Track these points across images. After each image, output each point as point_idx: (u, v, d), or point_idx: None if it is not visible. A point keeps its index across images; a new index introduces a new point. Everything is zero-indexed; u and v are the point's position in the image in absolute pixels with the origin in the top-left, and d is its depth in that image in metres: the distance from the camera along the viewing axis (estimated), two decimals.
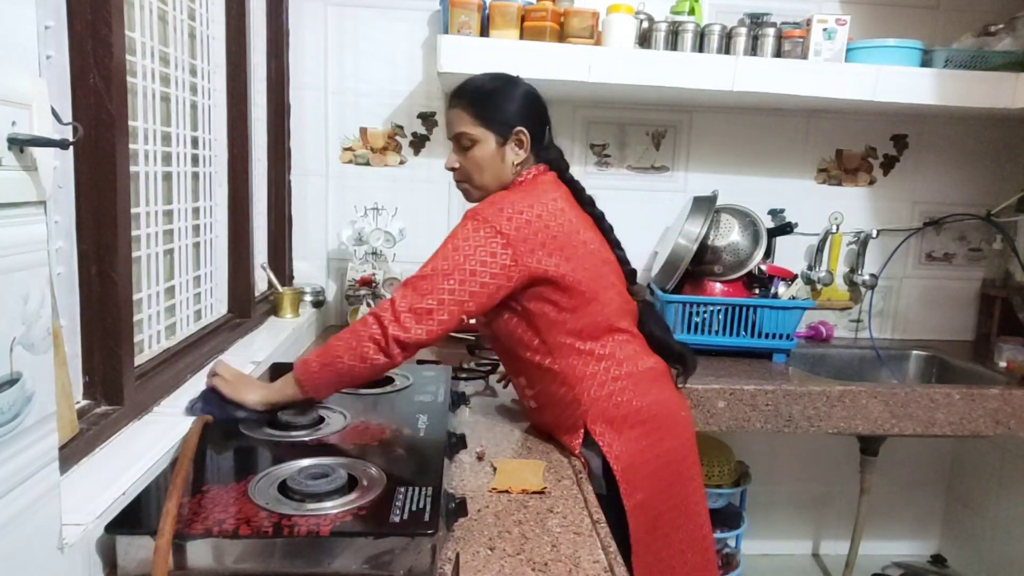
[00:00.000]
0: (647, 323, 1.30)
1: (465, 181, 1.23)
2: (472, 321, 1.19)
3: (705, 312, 1.92)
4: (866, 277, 2.20)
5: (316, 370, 1.09)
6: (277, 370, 1.45)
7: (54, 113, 0.68)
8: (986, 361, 2.06)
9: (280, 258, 1.96)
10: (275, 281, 1.83)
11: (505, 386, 1.48)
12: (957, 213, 2.24)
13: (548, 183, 1.21)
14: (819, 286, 2.19)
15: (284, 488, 0.86)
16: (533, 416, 1.31)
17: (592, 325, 1.18)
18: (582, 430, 1.19)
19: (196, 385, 1.24)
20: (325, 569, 0.77)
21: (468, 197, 1.25)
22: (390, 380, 1.35)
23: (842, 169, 2.22)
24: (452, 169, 1.23)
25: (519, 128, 1.18)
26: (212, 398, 1.11)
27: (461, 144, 1.20)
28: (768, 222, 2.08)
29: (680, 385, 1.32)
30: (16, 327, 0.61)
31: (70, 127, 0.78)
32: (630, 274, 1.30)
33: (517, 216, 1.11)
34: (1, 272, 0.60)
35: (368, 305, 1.91)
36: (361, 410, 1.20)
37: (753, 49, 1.89)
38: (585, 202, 1.26)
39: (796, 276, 2.06)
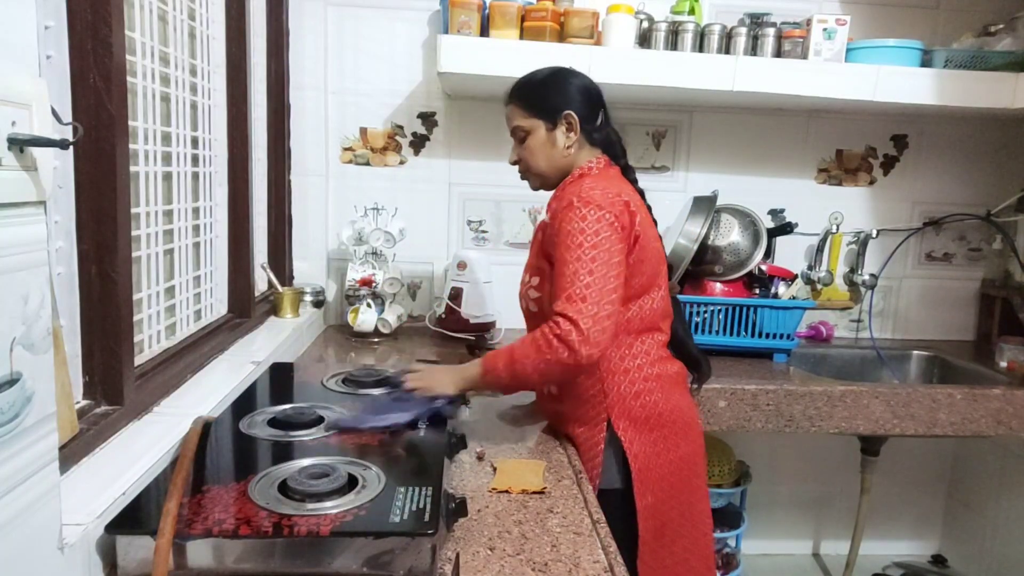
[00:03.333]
0: (675, 320, 1.32)
1: (525, 170, 1.30)
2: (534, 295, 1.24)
3: (705, 312, 1.92)
4: (866, 277, 2.20)
5: (505, 378, 1.15)
6: (277, 370, 1.45)
7: (54, 113, 0.68)
8: (987, 361, 2.06)
9: (280, 258, 1.96)
10: (275, 281, 1.83)
11: None
12: (957, 213, 2.24)
13: (619, 176, 1.27)
14: (819, 286, 2.19)
15: (284, 488, 0.86)
16: (549, 403, 1.30)
17: (639, 318, 1.21)
18: (604, 424, 1.19)
19: (196, 385, 1.24)
20: (325, 569, 0.77)
21: (531, 186, 1.32)
22: (391, 380, 1.35)
23: (842, 169, 2.21)
24: (515, 163, 1.30)
25: (566, 112, 1.22)
26: (407, 399, 1.17)
27: (518, 137, 1.27)
28: (768, 222, 2.08)
29: (695, 392, 1.32)
30: (16, 327, 0.61)
31: (70, 127, 0.78)
32: (668, 268, 1.33)
33: (616, 197, 1.16)
34: (1, 272, 0.60)
35: (369, 306, 1.91)
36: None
37: (753, 49, 1.89)
38: (639, 194, 1.30)
39: (796, 276, 2.06)
